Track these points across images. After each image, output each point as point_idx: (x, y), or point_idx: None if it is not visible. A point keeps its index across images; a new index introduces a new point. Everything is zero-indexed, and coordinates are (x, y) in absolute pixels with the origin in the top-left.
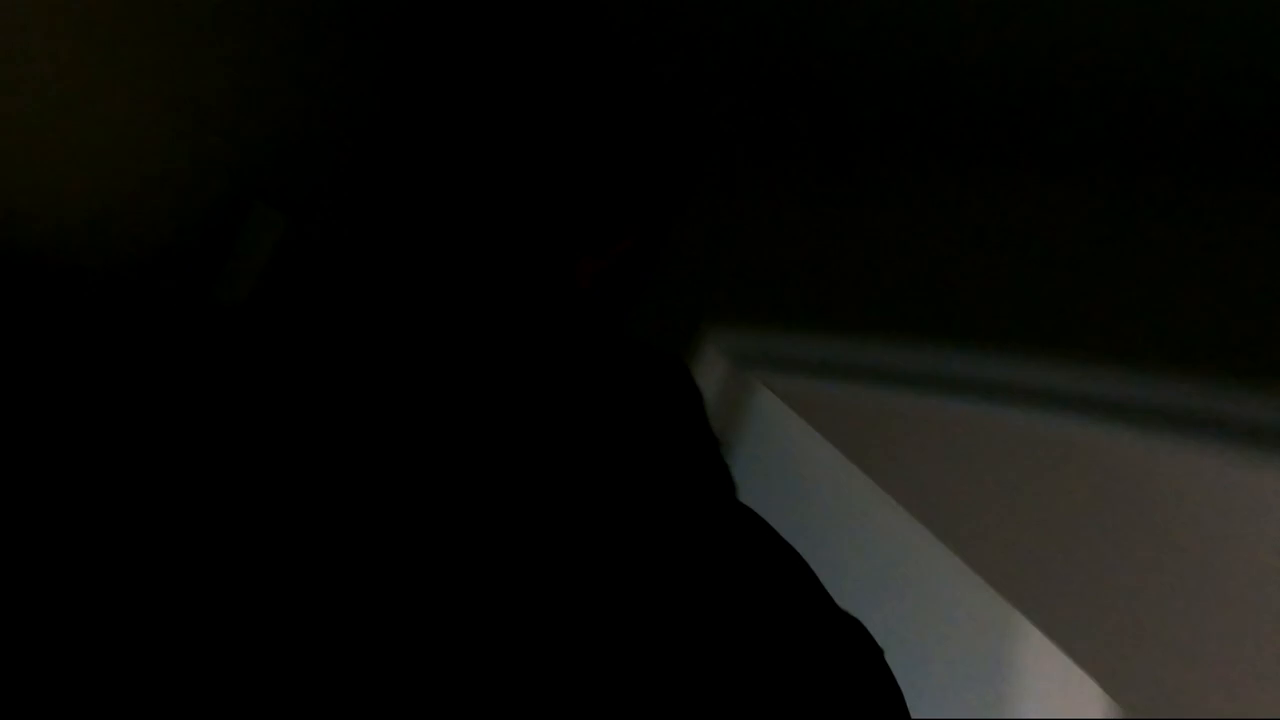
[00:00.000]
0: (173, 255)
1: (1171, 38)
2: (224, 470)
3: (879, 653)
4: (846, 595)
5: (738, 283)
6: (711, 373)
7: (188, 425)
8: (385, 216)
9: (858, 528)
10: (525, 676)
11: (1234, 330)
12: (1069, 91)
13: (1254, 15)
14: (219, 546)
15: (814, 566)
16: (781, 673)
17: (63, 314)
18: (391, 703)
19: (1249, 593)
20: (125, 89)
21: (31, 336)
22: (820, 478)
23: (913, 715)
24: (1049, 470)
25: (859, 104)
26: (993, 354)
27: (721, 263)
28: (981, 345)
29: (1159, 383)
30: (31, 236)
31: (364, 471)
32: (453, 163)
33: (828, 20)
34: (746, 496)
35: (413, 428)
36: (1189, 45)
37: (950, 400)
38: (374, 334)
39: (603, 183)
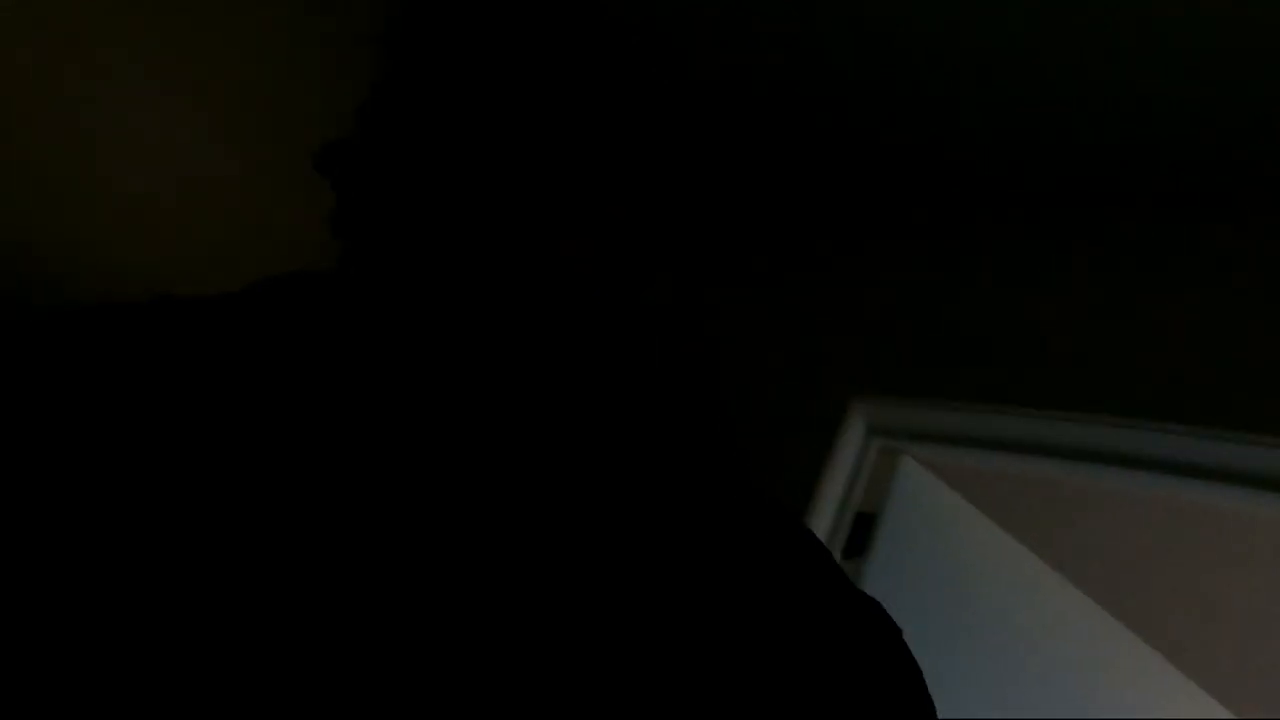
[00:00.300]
0: None
1: None
2: (222, 468)
3: (897, 631)
4: (1015, 668)
5: (885, 357)
6: (860, 445)
7: (185, 423)
8: (378, 210)
9: (1029, 608)
10: (531, 662)
11: None
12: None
13: None
14: (218, 545)
15: (975, 639)
16: (797, 653)
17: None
18: (391, 703)
19: None
20: (269, 183)
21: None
22: (981, 553)
23: None
24: (1256, 557)
25: (1007, 181)
26: (1181, 432)
27: (868, 338)
28: (1167, 422)
29: None
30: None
31: (364, 468)
32: (434, 152)
33: (979, 102)
34: (895, 565)
35: (411, 423)
36: None
37: (1133, 478)
38: (370, 327)
39: (579, 157)
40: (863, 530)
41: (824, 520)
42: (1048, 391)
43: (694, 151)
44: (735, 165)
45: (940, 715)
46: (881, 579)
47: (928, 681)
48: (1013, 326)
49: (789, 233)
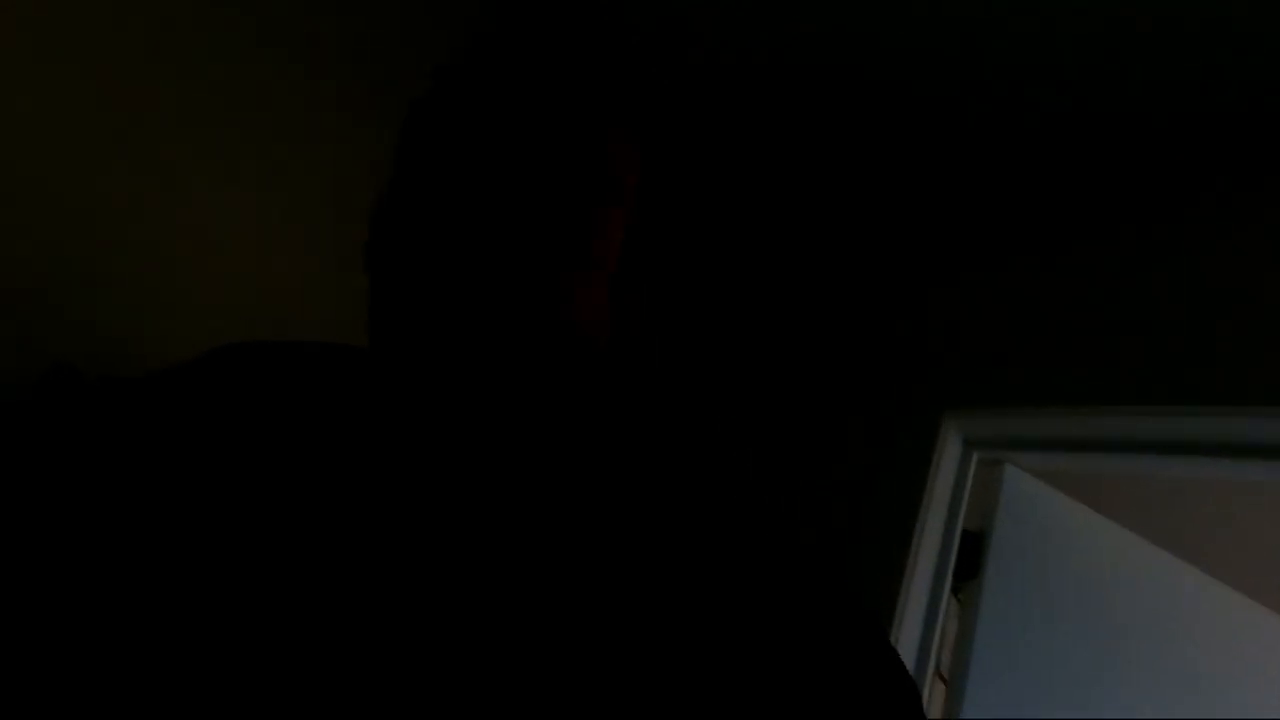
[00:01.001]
0: None
1: None
2: (228, 478)
3: (877, 622)
4: (1171, 670)
5: (972, 368)
6: (959, 460)
7: (193, 433)
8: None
9: (1173, 609)
10: (527, 672)
11: None
12: None
13: None
14: (222, 550)
15: (1117, 648)
16: (779, 653)
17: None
18: (392, 703)
19: None
20: (300, 243)
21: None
22: (1109, 557)
23: None
24: None
25: (1087, 175)
26: None
27: (960, 351)
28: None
29: None
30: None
31: (366, 480)
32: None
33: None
34: (1015, 582)
35: (417, 439)
36: None
37: (1244, 468)
38: (377, 350)
39: (584, 189)
40: (973, 550)
41: (931, 544)
42: (1150, 386)
43: (774, 160)
44: (822, 178)
45: None
46: (1002, 597)
47: (1075, 704)
48: (1098, 323)
49: (868, 254)
